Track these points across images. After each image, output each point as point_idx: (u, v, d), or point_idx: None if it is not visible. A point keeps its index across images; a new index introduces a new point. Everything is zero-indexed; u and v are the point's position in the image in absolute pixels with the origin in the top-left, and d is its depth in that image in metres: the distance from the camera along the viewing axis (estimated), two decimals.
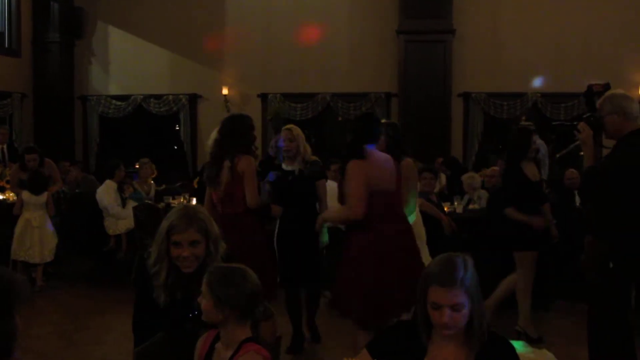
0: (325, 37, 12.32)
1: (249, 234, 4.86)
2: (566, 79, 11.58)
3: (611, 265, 4.00)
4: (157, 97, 12.89)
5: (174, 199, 8.68)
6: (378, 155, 4.40)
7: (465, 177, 8.66)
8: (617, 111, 4.11)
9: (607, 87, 4.51)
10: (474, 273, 2.38)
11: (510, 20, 11.87)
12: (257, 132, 12.31)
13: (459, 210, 7.83)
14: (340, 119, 13.13)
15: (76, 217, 9.20)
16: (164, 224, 2.90)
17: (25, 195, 7.97)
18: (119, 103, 13.05)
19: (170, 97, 12.85)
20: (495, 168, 8.20)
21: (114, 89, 13.21)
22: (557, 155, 9.45)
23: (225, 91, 12.59)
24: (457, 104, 11.88)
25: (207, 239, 2.90)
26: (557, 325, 6.59)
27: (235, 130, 5.02)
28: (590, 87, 4.49)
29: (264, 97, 12.58)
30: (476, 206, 8.09)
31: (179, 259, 2.86)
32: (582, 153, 4.32)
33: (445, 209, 7.66)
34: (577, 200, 8.45)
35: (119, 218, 8.57)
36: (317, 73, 12.31)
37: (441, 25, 11.44)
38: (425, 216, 6.78)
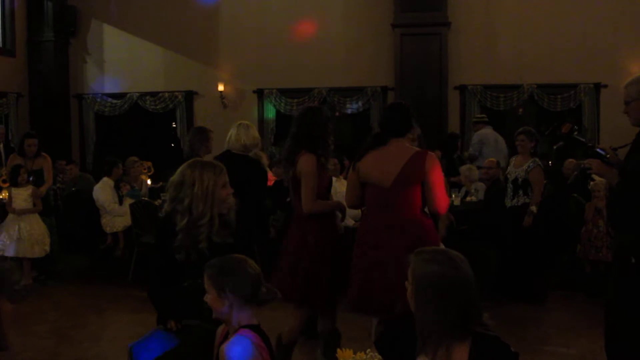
0: (321, 31, 12.29)
1: (308, 232, 4.45)
2: (562, 70, 11.57)
3: (633, 260, 3.88)
4: (153, 94, 12.86)
5: None
6: (392, 147, 4.22)
7: (463, 169, 8.66)
8: None
9: (573, 129, 4.50)
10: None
11: (505, 11, 11.83)
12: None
13: (457, 202, 7.82)
14: (337, 113, 13.11)
15: (73, 215, 9.22)
16: (210, 177, 3.32)
17: (13, 189, 7.94)
18: (114, 101, 13.02)
19: (166, 95, 12.82)
20: (493, 160, 8.18)
21: (109, 87, 13.17)
22: (555, 147, 9.49)
23: (221, 87, 12.56)
24: (454, 96, 11.85)
25: None
26: (554, 317, 6.60)
27: (305, 124, 4.52)
28: (562, 134, 4.46)
29: (260, 92, 12.56)
30: (474, 198, 8.09)
31: (229, 198, 3.39)
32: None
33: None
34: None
35: (116, 215, 8.57)
36: (313, 68, 12.27)
37: (436, 18, 11.40)
38: None
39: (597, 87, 11.58)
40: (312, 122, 4.48)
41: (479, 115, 11.18)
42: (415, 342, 2.35)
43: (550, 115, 11.76)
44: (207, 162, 3.55)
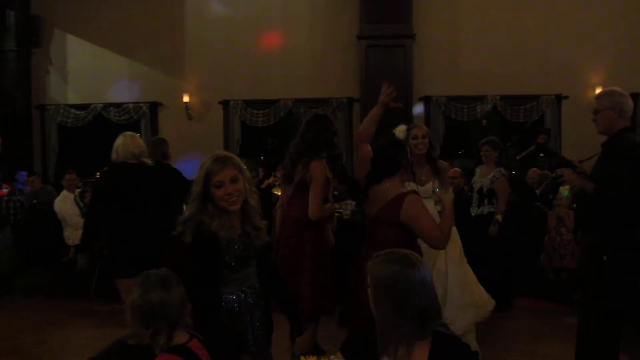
0: (287, 43, 12.31)
1: (306, 242, 4.54)
2: (524, 82, 11.76)
3: (605, 258, 4.12)
4: (117, 105, 12.73)
5: None
6: (382, 188, 4.12)
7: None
8: (614, 107, 4.26)
9: (547, 140, 4.70)
10: None
11: (469, 24, 12.00)
12: (219, 140, 12.38)
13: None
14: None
15: (35, 228, 9.04)
16: (200, 174, 3.00)
17: None
18: (78, 112, 12.84)
19: (131, 106, 12.70)
20: (457, 169, 8.24)
21: (72, 98, 13.00)
22: (518, 157, 9.61)
23: (186, 98, 12.49)
24: (419, 107, 11.95)
25: (242, 175, 3.02)
26: (520, 323, 6.65)
27: (314, 131, 4.68)
28: (537, 144, 4.66)
29: (225, 104, 12.51)
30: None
31: (224, 197, 2.96)
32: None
33: None
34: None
35: (78, 228, 8.43)
36: (279, 79, 12.28)
37: (401, 30, 11.50)
38: None
39: (559, 98, 11.78)
40: (322, 129, 4.67)
41: None
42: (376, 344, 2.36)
43: (513, 126, 11.92)
44: None
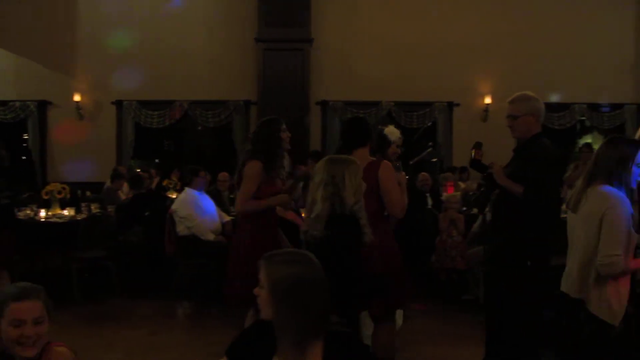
0: (184, 43, 12.10)
1: (241, 236, 4.82)
2: (418, 89, 12.07)
3: (529, 263, 4.18)
4: (3, 103, 12.13)
5: (20, 210, 8.16)
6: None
7: None
8: (533, 113, 4.32)
9: (479, 150, 4.71)
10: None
11: (366, 31, 12.20)
12: (112, 141, 12.02)
13: None
14: (200, 127, 12.94)
15: None
16: None
17: None
18: None
19: (17, 104, 12.14)
20: None
21: None
22: (411, 163, 9.83)
23: (77, 98, 12.05)
24: (316, 112, 12.04)
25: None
26: (413, 324, 6.76)
27: (257, 134, 4.92)
28: (473, 159, 4.68)
29: (118, 104, 12.17)
30: None
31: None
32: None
33: (303, 214, 7.70)
34: (430, 202, 8.80)
35: None
36: (175, 80, 12.05)
37: (299, 34, 11.56)
38: (283, 222, 6.78)
39: (451, 105, 12.18)
40: (264, 132, 4.86)
41: None
42: (268, 346, 2.34)
43: (407, 131, 12.19)
44: None
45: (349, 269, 3.52)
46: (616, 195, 3.48)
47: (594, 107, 12.44)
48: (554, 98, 11.91)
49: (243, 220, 4.90)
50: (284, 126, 4.96)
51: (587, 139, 13.31)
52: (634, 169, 3.58)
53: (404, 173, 5.81)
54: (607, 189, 3.51)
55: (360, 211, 3.64)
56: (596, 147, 12.78)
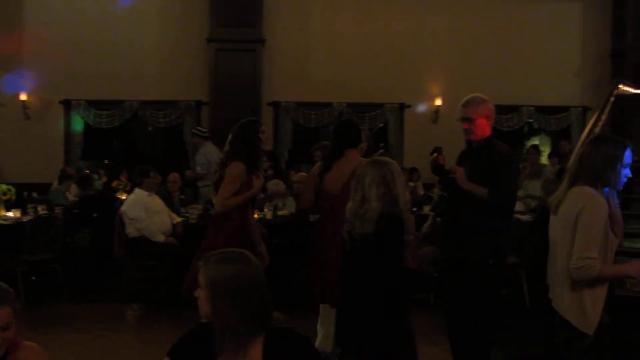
0: (135, 42, 11.93)
1: (216, 237, 5.00)
2: (370, 90, 12.15)
3: (491, 261, 4.27)
4: None
5: None
6: (344, 160, 4.99)
7: (270, 184, 8.74)
8: (487, 115, 4.40)
9: (441, 154, 4.74)
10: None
11: (318, 32, 12.23)
12: (60, 142, 11.79)
13: (269, 216, 7.91)
14: (150, 128, 12.78)
15: None
16: None
17: None
18: None
19: None
20: (304, 174, 8.35)
21: None
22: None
23: (23, 97, 11.75)
24: (268, 112, 12.02)
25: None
26: None
27: (236, 135, 5.08)
28: (439, 163, 4.71)
29: (67, 103, 11.93)
30: (285, 212, 8.21)
31: None
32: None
33: (255, 215, 7.69)
34: None
35: None
36: (125, 79, 11.85)
37: (251, 35, 11.53)
38: None
39: (402, 107, 12.30)
40: (243, 133, 5.01)
41: (200, 129, 10.34)
42: (211, 347, 2.34)
43: None
44: None
45: (400, 264, 3.69)
46: (593, 196, 3.36)
47: (541, 110, 12.71)
48: (503, 100, 12.13)
49: (220, 220, 5.04)
50: (263, 127, 5.17)
51: (535, 141, 13.62)
52: (622, 170, 3.45)
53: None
54: (587, 189, 3.39)
55: (406, 209, 3.86)
56: (543, 149, 13.12)
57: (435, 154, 4.62)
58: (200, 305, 2.36)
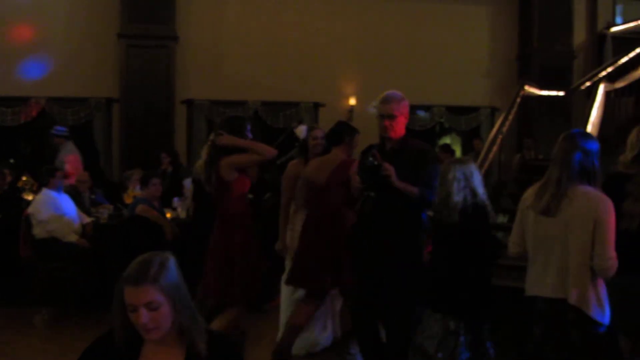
0: (40, 36, 11.48)
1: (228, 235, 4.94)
2: (285, 89, 12.15)
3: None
4: None
5: None
6: (330, 155, 5.33)
7: (187, 183, 8.64)
8: (406, 113, 4.51)
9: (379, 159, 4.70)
10: (174, 271, 2.33)
11: (232, 30, 12.13)
12: None
13: (183, 215, 7.81)
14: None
15: None
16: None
17: None
18: None
19: None
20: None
21: None
22: (278, 162, 9.92)
23: None
24: (181, 110, 11.84)
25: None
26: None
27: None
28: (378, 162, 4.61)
29: None
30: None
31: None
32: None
33: (168, 215, 7.60)
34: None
35: None
36: (30, 75, 11.40)
37: (164, 31, 11.32)
38: (147, 222, 6.68)
39: (316, 105, 12.36)
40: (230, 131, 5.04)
41: (60, 129, 10.26)
42: (120, 355, 2.33)
43: (274, 131, 12.22)
44: None
45: (485, 248, 4.24)
46: (602, 196, 3.48)
47: (451, 110, 13.03)
48: (415, 100, 12.36)
49: (230, 219, 4.93)
50: (315, 132, 5.66)
51: (446, 140, 13.95)
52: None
53: None
54: (591, 190, 3.50)
55: (486, 198, 4.28)
56: (455, 147, 13.41)
57: (374, 154, 4.37)
58: (160, 324, 2.29)
